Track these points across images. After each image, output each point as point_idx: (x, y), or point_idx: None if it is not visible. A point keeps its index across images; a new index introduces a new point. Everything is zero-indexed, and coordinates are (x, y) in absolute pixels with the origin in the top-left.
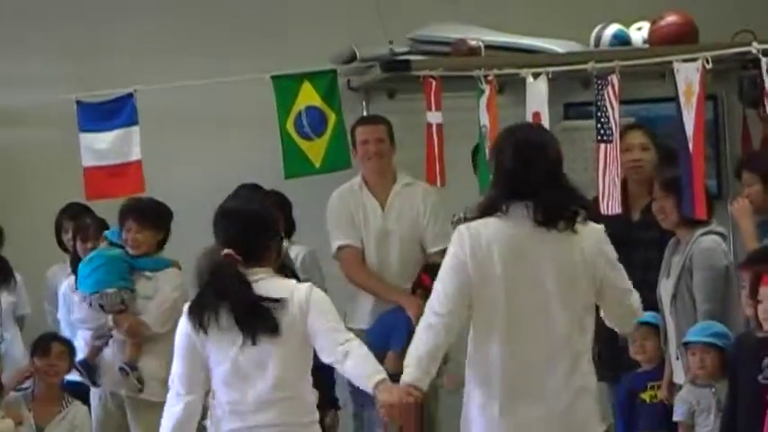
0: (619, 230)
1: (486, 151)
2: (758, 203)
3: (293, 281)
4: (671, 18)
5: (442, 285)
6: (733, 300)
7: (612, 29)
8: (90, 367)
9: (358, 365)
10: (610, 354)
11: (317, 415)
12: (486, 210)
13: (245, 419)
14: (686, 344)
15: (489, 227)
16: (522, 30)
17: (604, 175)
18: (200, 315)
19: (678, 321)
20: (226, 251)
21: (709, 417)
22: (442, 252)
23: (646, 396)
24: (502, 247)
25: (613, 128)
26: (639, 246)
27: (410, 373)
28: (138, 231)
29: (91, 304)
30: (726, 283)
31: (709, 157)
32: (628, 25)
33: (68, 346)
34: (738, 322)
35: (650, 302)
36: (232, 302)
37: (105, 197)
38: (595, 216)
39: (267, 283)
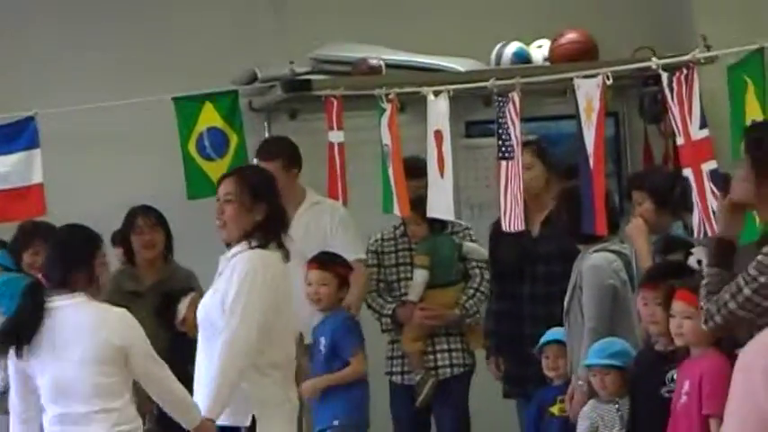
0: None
1: (390, 171)
2: (651, 221)
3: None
4: (571, 35)
5: None
6: (622, 318)
7: (513, 47)
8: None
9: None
10: (517, 371)
11: None
12: None
13: None
14: (588, 365)
15: None
16: (423, 48)
17: (506, 192)
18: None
19: (570, 336)
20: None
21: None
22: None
23: (554, 409)
24: None
25: (514, 145)
26: (540, 260)
27: None
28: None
29: None
30: (614, 301)
31: (611, 173)
32: (528, 43)
33: None
34: (628, 341)
35: (555, 317)
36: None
37: (6, 220)
38: (497, 234)
39: (68, 309)
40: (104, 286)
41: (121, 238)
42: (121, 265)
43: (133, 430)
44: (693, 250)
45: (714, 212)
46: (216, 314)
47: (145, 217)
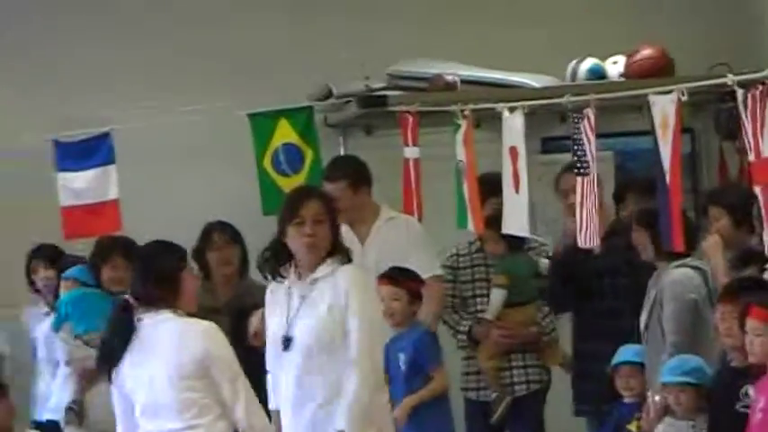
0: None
1: (464, 187)
2: (728, 238)
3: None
4: (646, 52)
5: None
6: (702, 333)
7: (588, 63)
8: (81, 405)
9: None
10: (587, 387)
11: None
12: None
13: None
14: (663, 383)
15: None
16: (498, 64)
17: (582, 207)
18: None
19: (649, 352)
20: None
21: None
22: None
23: (632, 426)
24: None
25: (590, 161)
26: (606, 274)
27: None
28: (127, 268)
29: (87, 343)
30: (695, 315)
31: (687, 189)
32: (603, 59)
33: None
34: (708, 355)
35: (623, 332)
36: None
37: (83, 236)
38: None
39: (157, 326)
40: (196, 298)
41: (197, 255)
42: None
43: None
44: None
45: None
46: (337, 331)
47: (221, 233)
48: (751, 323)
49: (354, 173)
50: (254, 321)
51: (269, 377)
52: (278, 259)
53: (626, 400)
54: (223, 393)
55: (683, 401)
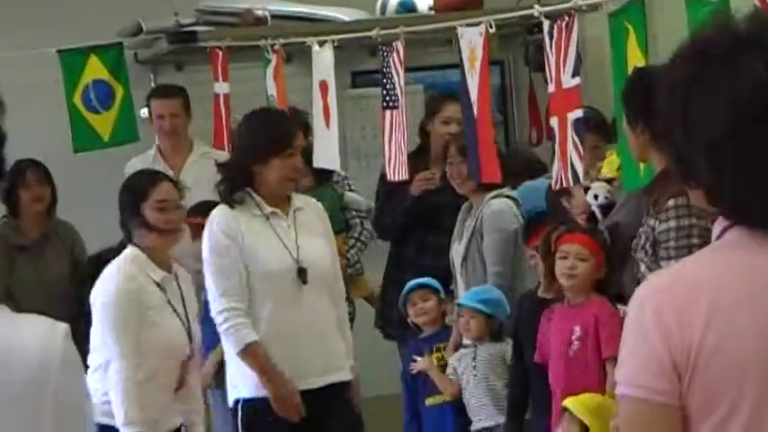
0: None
1: None
2: None
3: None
4: None
5: None
6: (522, 262)
7: None
8: None
9: None
10: (393, 313)
11: None
12: None
13: None
14: (458, 304)
15: None
16: None
17: (390, 141)
18: None
19: (468, 284)
20: None
21: (467, 375)
22: None
23: (433, 359)
24: None
25: (399, 94)
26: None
27: None
28: None
29: None
30: (515, 245)
31: (497, 121)
32: None
33: None
34: (527, 284)
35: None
36: None
37: None
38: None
39: None
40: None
41: (8, 193)
42: (4, 219)
43: None
44: (592, 185)
45: (573, 163)
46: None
47: (34, 171)
48: (573, 248)
49: (185, 96)
50: None
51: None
52: (234, 186)
53: (424, 334)
54: None
55: (473, 327)
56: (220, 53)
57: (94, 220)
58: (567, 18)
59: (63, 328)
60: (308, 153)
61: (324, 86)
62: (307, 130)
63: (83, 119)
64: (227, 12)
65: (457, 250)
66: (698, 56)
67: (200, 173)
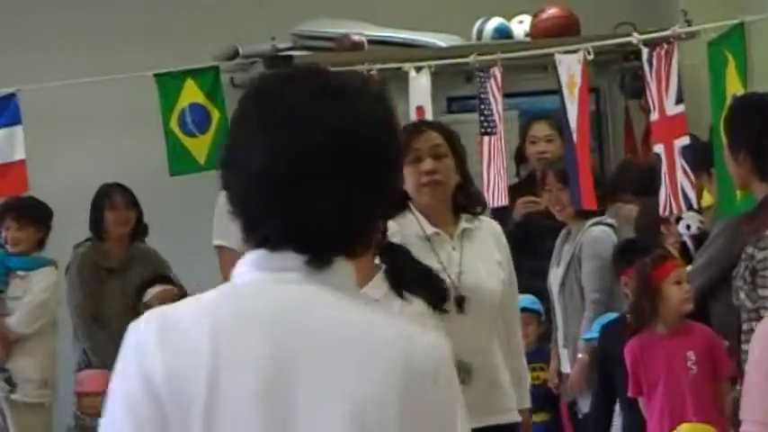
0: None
1: None
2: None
3: None
4: (552, 11)
5: None
6: (619, 289)
7: (494, 22)
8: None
9: None
10: None
11: None
12: None
13: None
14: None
15: None
16: (405, 24)
17: (489, 167)
18: None
19: (565, 310)
20: None
21: None
22: None
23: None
24: None
25: (497, 120)
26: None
27: None
28: (17, 229)
29: None
30: (613, 273)
31: (592, 149)
32: (509, 19)
33: None
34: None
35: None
36: None
37: None
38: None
39: None
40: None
41: (94, 214)
42: (87, 242)
43: None
44: (684, 215)
45: (684, 189)
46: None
47: (121, 194)
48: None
49: None
50: (151, 291)
51: None
52: (393, 209)
53: None
54: None
55: None
56: None
57: (188, 245)
58: (665, 46)
59: None
60: None
61: (420, 111)
62: None
63: (179, 142)
64: (324, 36)
65: (555, 275)
66: None
67: None
